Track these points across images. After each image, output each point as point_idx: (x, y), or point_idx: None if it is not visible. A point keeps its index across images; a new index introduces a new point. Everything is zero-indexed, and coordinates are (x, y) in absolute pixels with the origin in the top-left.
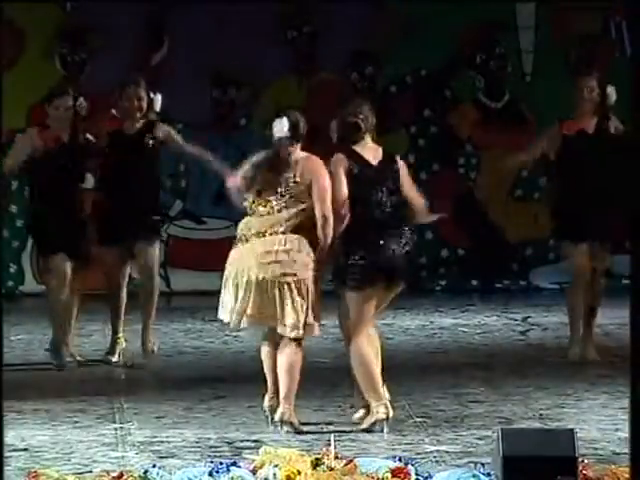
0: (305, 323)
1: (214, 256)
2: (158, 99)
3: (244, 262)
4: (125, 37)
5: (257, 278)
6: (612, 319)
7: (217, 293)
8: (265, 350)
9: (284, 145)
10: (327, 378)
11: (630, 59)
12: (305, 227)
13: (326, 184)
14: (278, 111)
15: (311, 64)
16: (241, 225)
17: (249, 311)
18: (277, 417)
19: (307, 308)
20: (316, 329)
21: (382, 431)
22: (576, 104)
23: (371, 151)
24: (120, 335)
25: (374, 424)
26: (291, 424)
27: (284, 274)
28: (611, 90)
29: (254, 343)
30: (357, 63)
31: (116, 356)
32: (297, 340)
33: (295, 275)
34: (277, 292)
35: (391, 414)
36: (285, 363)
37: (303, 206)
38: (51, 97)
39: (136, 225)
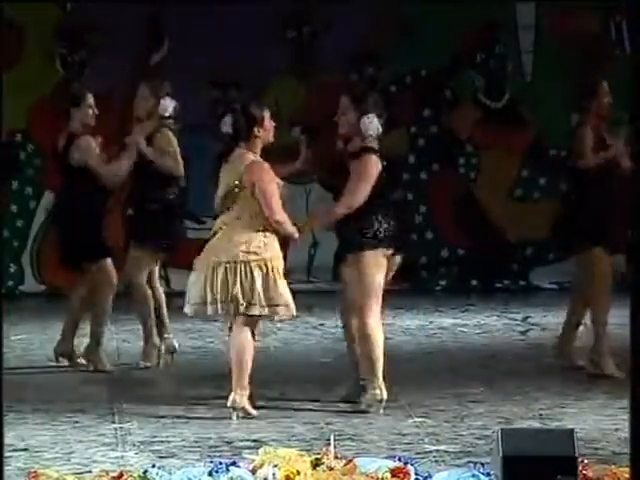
0: (270, 304)
1: None
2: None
3: (209, 253)
4: (125, 37)
5: (218, 262)
6: (612, 319)
7: None
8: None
9: (227, 143)
10: (327, 378)
11: (630, 59)
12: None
13: (270, 190)
14: (232, 107)
15: (311, 64)
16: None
17: (216, 296)
18: (229, 403)
19: (268, 289)
20: (286, 310)
21: (377, 412)
22: (599, 108)
23: None
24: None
25: (370, 405)
26: (243, 409)
27: (244, 253)
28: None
29: (254, 343)
30: (357, 63)
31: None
32: (250, 324)
33: (255, 254)
34: (237, 272)
35: (385, 397)
36: (236, 347)
37: (253, 207)
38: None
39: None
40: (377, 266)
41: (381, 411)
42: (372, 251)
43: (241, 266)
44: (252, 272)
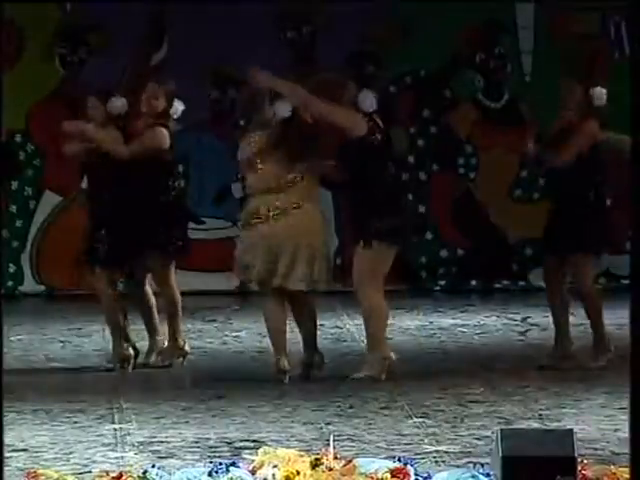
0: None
1: (214, 256)
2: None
3: None
4: (125, 37)
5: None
6: (612, 319)
7: (217, 293)
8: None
9: None
10: (327, 378)
11: (629, 59)
12: None
13: None
14: None
15: (311, 64)
16: None
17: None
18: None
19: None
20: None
21: (381, 379)
22: (564, 105)
23: None
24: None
25: (378, 371)
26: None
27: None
28: (600, 92)
29: (254, 343)
30: (357, 63)
31: (153, 356)
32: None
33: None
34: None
35: (386, 365)
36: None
37: None
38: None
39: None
40: (390, 253)
41: (383, 377)
42: (390, 237)
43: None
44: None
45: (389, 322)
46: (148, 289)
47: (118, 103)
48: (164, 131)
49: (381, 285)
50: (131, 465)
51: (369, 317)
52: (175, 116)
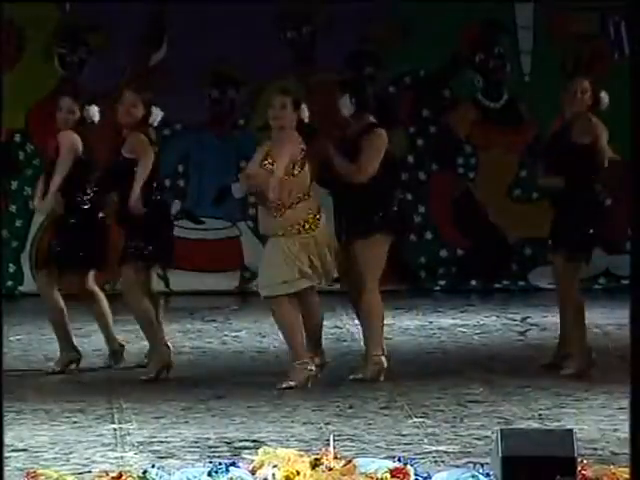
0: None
1: (213, 256)
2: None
3: None
4: (125, 37)
5: None
6: (612, 319)
7: (216, 293)
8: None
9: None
10: (327, 378)
11: (629, 60)
12: None
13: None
14: None
15: (311, 64)
16: None
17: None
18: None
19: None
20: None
21: (380, 379)
22: (563, 105)
23: None
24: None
25: (377, 373)
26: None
27: None
28: (603, 94)
29: (254, 343)
30: (357, 63)
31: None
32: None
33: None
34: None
35: (385, 365)
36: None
37: None
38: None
39: None
40: (386, 247)
41: (382, 378)
42: (385, 231)
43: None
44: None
45: (389, 322)
46: (97, 291)
47: (94, 111)
48: (142, 138)
49: (377, 283)
50: (131, 465)
51: (366, 317)
52: (155, 124)
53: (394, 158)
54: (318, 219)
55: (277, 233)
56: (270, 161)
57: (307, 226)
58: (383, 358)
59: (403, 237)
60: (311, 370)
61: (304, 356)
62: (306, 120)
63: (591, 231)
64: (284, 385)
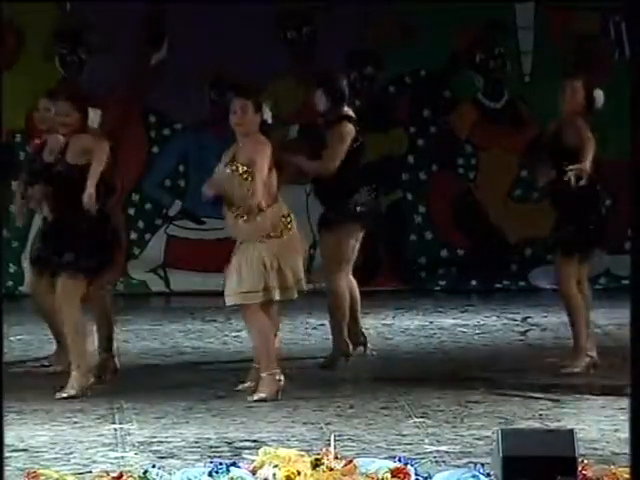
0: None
1: (213, 256)
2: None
3: None
4: (125, 37)
5: None
6: (612, 319)
7: (216, 293)
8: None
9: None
10: (327, 378)
11: (629, 60)
12: None
13: None
14: None
15: (310, 64)
16: None
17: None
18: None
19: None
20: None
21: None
22: (561, 105)
23: None
24: None
25: (336, 359)
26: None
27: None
28: (598, 94)
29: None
30: (356, 63)
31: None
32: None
33: None
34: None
35: (351, 351)
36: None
37: None
38: None
39: None
40: (357, 236)
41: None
42: (351, 222)
43: None
44: None
45: (389, 322)
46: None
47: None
48: (88, 136)
49: (342, 274)
50: (131, 465)
51: (331, 305)
52: (95, 124)
53: (363, 149)
54: (289, 222)
55: (247, 238)
56: (237, 165)
57: (278, 230)
58: (346, 344)
59: (371, 229)
60: (280, 381)
61: (273, 366)
62: (269, 121)
63: (591, 231)
64: (255, 397)
